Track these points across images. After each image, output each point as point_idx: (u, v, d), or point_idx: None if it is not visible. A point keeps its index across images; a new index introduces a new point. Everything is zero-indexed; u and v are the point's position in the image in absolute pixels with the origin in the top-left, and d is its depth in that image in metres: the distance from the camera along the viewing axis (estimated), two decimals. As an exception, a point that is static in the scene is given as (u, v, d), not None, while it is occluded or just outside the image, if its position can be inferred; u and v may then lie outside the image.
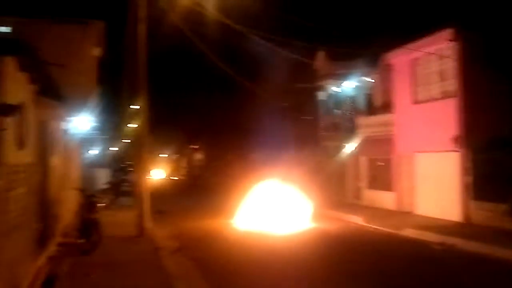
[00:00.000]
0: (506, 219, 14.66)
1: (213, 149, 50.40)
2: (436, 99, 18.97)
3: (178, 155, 72.19)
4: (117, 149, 37.22)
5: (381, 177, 23.10)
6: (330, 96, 29.26)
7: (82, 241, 11.37)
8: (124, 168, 33.98)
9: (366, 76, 24.98)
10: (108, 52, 19.74)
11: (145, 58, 14.56)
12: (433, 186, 18.89)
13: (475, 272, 10.64)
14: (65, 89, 12.27)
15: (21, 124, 7.41)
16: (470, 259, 11.93)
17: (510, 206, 14.39)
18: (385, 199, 22.10)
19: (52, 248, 11.18)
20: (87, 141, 25.65)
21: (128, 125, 28.29)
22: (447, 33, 17.66)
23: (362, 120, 24.74)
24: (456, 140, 17.43)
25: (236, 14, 15.65)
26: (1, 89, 6.31)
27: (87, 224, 11.64)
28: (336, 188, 26.09)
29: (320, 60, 27.79)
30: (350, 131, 25.67)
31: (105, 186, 23.44)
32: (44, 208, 10.78)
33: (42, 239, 9.87)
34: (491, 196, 16.01)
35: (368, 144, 23.77)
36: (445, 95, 18.48)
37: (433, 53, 18.71)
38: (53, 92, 10.72)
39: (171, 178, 66.21)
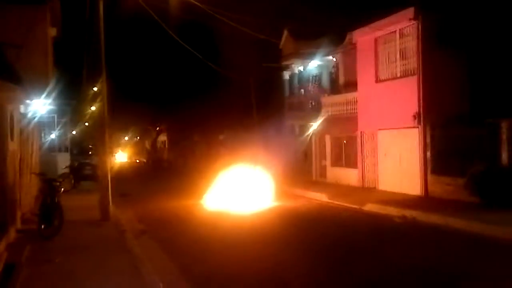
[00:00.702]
0: (463, 192, 15.10)
1: (178, 130, 49.92)
2: (397, 77, 19.25)
3: (140, 137, 71.32)
4: (77, 132, 36.51)
5: (345, 155, 23.44)
6: (295, 75, 29.33)
7: (43, 226, 11.12)
8: (86, 152, 33.42)
9: (330, 55, 25.10)
10: (65, 32, 19.21)
11: (103, 37, 14.20)
12: (395, 162, 19.28)
13: (434, 242, 11.01)
14: (21, 71, 11.89)
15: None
16: (429, 230, 12.30)
17: (467, 179, 14.81)
18: (349, 176, 22.44)
19: (11, 235, 10.92)
20: (46, 125, 25.06)
21: (90, 107, 27.73)
22: (408, 12, 17.86)
23: (326, 99, 24.92)
24: (416, 117, 17.77)
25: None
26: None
27: (48, 209, 11.37)
28: (301, 166, 26.34)
29: (285, 39, 27.76)
30: (314, 110, 25.84)
31: (65, 170, 22.95)
32: (2, 194, 10.50)
33: (0, 226, 9.63)
34: (449, 170, 16.48)
35: (332, 122, 24.00)
36: (406, 73, 18.76)
37: (395, 32, 18.94)
38: (9, 74, 10.39)
39: (134, 161, 65.45)
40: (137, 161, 64.54)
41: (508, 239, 10.69)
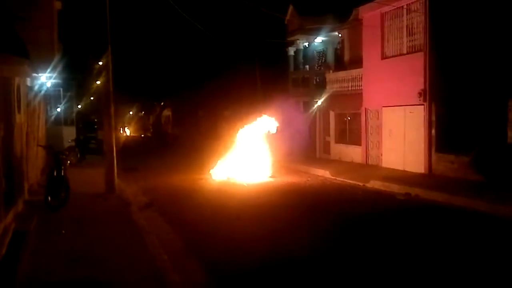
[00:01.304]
0: (467, 170, 15.15)
1: (182, 106, 49.92)
2: (404, 54, 19.12)
3: (145, 112, 71.45)
4: (82, 106, 36.55)
5: (349, 132, 23.46)
6: (300, 51, 29.14)
7: (50, 198, 11.26)
8: (91, 126, 33.51)
9: (335, 31, 24.90)
10: (69, 6, 19.11)
11: (108, 10, 14.14)
12: (399, 139, 19.29)
13: (435, 219, 11.10)
14: (28, 44, 11.89)
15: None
16: (431, 208, 12.38)
17: (471, 157, 14.83)
18: (353, 153, 22.51)
19: (19, 206, 11.09)
20: (52, 98, 25.12)
21: (96, 82, 27.71)
22: (416, -14, 17.68)
23: (331, 75, 24.82)
24: (422, 94, 17.71)
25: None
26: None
27: (55, 182, 11.51)
28: (305, 143, 26.36)
29: (290, 14, 27.52)
30: (319, 86, 25.75)
31: (71, 144, 23.08)
32: (9, 165, 10.62)
33: (8, 197, 9.76)
34: (454, 148, 16.50)
35: (337, 99, 23.95)
36: (412, 50, 18.63)
37: (402, 7, 18.75)
38: (17, 47, 10.39)
39: (139, 135, 65.63)
40: (142, 135, 64.74)
41: (509, 217, 10.77)
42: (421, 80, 17.77)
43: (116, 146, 14.96)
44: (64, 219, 10.34)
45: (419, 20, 18.12)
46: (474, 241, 9.01)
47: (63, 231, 9.28)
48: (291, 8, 27.36)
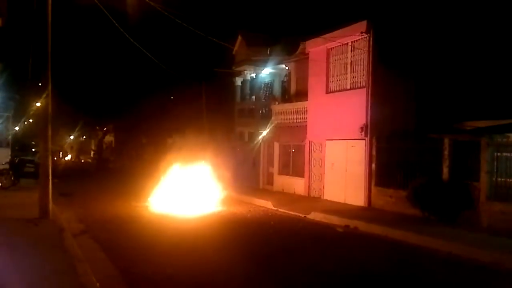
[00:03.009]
0: (405, 204, 15.53)
1: (125, 132, 49.04)
2: (347, 89, 19.63)
3: (87, 137, 69.74)
4: (20, 128, 35.25)
5: (293, 163, 23.66)
6: (247, 82, 29.45)
7: (-23, 222, 10.63)
8: (28, 148, 32.29)
9: (282, 63, 25.35)
10: (11, 23, 18.54)
11: (50, 29, 13.78)
12: (341, 172, 19.62)
13: (373, 251, 11.30)
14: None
15: None
16: (369, 240, 12.60)
17: (409, 192, 15.25)
18: (296, 185, 22.66)
19: None
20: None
21: (35, 103, 26.82)
22: (360, 25, 18.30)
23: (277, 107, 25.12)
24: (364, 129, 18.17)
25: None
26: None
27: (-17, 204, 10.91)
28: (249, 173, 26.37)
29: (238, 45, 27.84)
30: (265, 117, 25.98)
31: (5, 166, 22.06)
32: None
33: None
34: (393, 183, 16.93)
35: (282, 130, 24.20)
36: (355, 86, 19.17)
37: (347, 44, 19.34)
38: None
39: (79, 160, 63.86)
40: (82, 160, 62.99)
41: (442, 251, 11.07)
42: (363, 115, 18.26)
43: (54, 170, 14.41)
44: (-10, 245, 9.74)
45: (362, 57, 18.72)
46: (403, 271, 9.17)
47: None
48: (239, 38, 27.72)
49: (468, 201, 14.19)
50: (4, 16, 16.58)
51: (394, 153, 17.30)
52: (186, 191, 18.25)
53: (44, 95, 14.17)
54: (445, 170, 15.23)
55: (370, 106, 18.10)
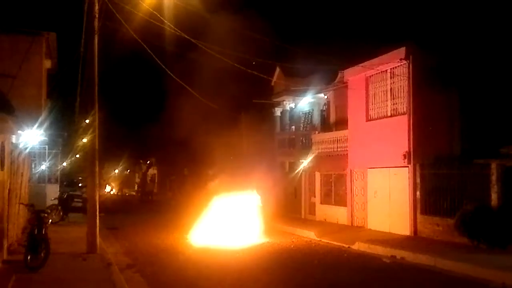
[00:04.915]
0: (453, 233, 15.12)
1: (168, 164, 49.80)
2: (388, 116, 19.47)
3: (131, 170, 71.10)
4: (68, 164, 36.33)
5: (335, 193, 23.44)
6: (286, 112, 29.59)
7: (29, 258, 10.97)
8: (76, 184, 33.18)
9: (321, 92, 25.40)
10: (60, 65, 19.36)
11: (96, 71, 14.30)
12: (384, 201, 19.30)
13: (423, 283, 10.96)
14: (14, 101, 11.95)
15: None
16: (417, 271, 12.24)
17: (456, 220, 14.84)
18: (338, 214, 22.40)
19: (-3, 266, 10.75)
20: (37, 156, 24.96)
21: (82, 140, 27.75)
22: (399, 52, 18.23)
23: (317, 136, 25.09)
24: (406, 156, 17.90)
25: (193, 28, 15.72)
26: None
27: (35, 241, 11.25)
28: (290, 203, 26.26)
29: (277, 76, 28.10)
30: (305, 147, 25.96)
31: (54, 202, 22.73)
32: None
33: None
34: (439, 210, 16.52)
35: (323, 160, 24.10)
36: (396, 113, 18.99)
37: (386, 71, 19.27)
38: (1, 104, 10.42)
39: (124, 193, 65.06)
40: (127, 194, 64.14)
41: (495, 282, 10.66)
42: (405, 142, 18.01)
43: (100, 204, 14.76)
44: (42, 280, 10.03)
45: (402, 83, 18.58)
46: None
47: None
48: (277, 70, 27.98)
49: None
50: (53, 58, 17.36)
51: (439, 179, 16.93)
52: (229, 222, 18.28)
53: (91, 131, 14.66)
54: (494, 196, 14.79)
55: (412, 133, 17.85)
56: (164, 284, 10.51)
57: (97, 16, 13.95)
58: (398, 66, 18.65)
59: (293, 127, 29.24)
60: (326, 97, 25.56)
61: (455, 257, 12.80)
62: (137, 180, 65.47)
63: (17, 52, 14.05)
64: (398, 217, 18.31)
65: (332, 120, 24.87)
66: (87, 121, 15.32)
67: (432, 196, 16.96)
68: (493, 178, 14.86)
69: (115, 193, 66.84)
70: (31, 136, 15.96)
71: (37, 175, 25.40)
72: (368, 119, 20.57)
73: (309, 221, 23.59)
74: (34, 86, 14.41)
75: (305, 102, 27.51)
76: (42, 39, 15.00)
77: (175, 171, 47.52)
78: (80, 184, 32.38)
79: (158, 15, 14.19)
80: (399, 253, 14.02)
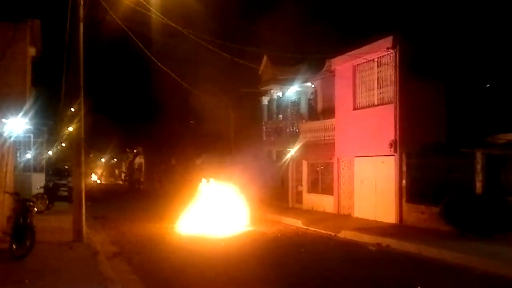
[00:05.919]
0: (438, 221, 15.28)
1: (155, 154, 49.62)
2: (375, 105, 19.55)
3: (117, 159, 70.78)
4: (53, 153, 36.05)
5: (322, 181, 23.56)
6: (274, 101, 29.59)
7: (14, 246, 10.90)
8: (61, 173, 32.93)
9: (309, 81, 25.41)
10: (45, 53, 19.13)
11: (82, 59, 14.14)
12: (370, 189, 19.44)
13: (408, 270, 11.07)
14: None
15: None
16: (403, 258, 12.37)
17: (441, 208, 15.00)
18: (325, 203, 22.53)
19: (-19, 255, 10.67)
20: (22, 145, 24.71)
21: (68, 128, 27.53)
22: (386, 41, 18.27)
23: (304, 125, 25.14)
24: (393, 145, 18.01)
25: (179, 16, 15.62)
26: None
27: (20, 230, 11.17)
28: (277, 192, 26.34)
29: (264, 64, 28.05)
30: (292, 135, 26.01)
31: (40, 191, 22.55)
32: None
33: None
34: (424, 199, 16.68)
35: (310, 148, 24.17)
36: (383, 102, 19.08)
37: (373, 60, 19.31)
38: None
39: (110, 183, 64.84)
40: (114, 183, 63.92)
41: (479, 269, 10.80)
42: (392, 131, 18.11)
43: (86, 193, 14.68)
44: (28, 268, 9.97)
45: (389, 72, 18.65)
46: None
47: (26, 281, 8.92)
48: (265, 58, 27.92)
49: (503, 215, 13.88)
50: (38, 46, 17.14)
51: (425, 168, 17.08)
52: (216, 211, 18.29)
53: (77, 120, 14.55)
54: (478, 185, 14.96)
55: (399, 121, 17.96)
56: (150, 272, 10.52)
57: (82, 3, 13.80)
58: (385, 55, 18.71)
59: (281, 116, 29.29)
60: (313, 86, 25.59)
61: (440, 244, 12.95)
62: (124, 169, 65.18)
63: (0, 39, 13.87)
64: (384, 205, 18.46)
65: (319, 109, 24.91)
66: (72, 109, 15.19)
67: (418, 185, 17.11)
68: (478, 166, 15.01)
69: (101, 182, 66.57)
70: (15, 125, 15.80)
71: (22, 164, 25.14)
72: (355, 108, 20.63)
73: (296, 210, 23.70)
74: (19, 73, 14.24)
75: (292, 91, 27.54)
76: (26, 26, 14.80)
77: (162, 160, 47.36)
78: (66, 173, 32.08)
79: (144, 3, 14.09)
80: (385, 241, 14.15)
